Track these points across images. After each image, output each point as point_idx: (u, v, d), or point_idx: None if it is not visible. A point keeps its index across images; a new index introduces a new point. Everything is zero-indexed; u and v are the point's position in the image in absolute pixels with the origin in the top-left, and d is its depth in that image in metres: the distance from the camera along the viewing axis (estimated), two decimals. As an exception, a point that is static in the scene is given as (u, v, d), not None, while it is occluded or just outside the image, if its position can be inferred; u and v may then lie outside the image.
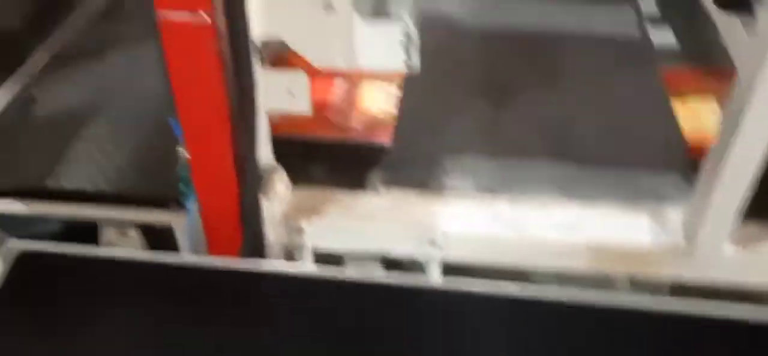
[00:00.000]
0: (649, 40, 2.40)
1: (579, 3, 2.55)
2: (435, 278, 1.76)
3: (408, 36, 1.56)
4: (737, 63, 1.96)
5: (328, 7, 1.49)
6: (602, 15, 2.49)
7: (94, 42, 2.39)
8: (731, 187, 1.50)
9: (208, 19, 1.32)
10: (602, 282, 1.78)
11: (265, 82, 1.56)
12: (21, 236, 1.83)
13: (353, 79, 2.16)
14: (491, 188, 1.84)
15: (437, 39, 2.19)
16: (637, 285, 1.78)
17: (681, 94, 2.12)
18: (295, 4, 1.50)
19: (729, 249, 1.63)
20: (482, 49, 2.30)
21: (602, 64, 2.26)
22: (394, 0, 1.65)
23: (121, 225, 1.88)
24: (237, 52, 1.39)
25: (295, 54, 1.60)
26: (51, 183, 1.87)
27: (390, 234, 1.78)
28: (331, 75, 2.13)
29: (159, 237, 1.85)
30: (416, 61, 1.60)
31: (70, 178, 1.89)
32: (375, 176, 1.88)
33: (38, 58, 2.29)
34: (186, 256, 1.73)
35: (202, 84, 1.42)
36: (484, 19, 2.42)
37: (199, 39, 1.34)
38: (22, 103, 2.14)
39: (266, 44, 1.58)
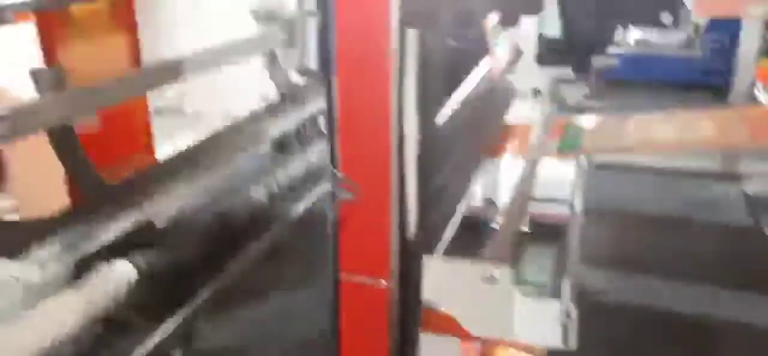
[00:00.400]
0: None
1: (738, 288, 2.48)
2: None
3: (567, 314, 1.58)
4: None
5: (491, 279, 1.56)
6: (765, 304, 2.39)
7: (258, 282, 2.59)
8: None
9: (385, 284, 1.42)
10: None
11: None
12: None
13: (493, 345, 2.16)
14: None
15: (587, 315, 2.19)
16: None
17: None
18: (458, 272, 1.59)
19: None
20: (635, 329, 2.25)
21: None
22: (553, 275, 1.70)
23: None
24: (404, 316, 1.47)
25: (444, 316, 1.66)
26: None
27: None
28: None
29: None
30: (573, 339, 1.60)
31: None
32: None
33: (203, 296, 2.49)
34: None
35: (368, 341, 1.49)
36: (637, 298, 2.40)
37: (374, 301, 1.44)
38: (182, 337, 2.30)
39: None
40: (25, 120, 2.09)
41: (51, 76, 2.22)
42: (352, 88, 1.47)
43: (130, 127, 2.70)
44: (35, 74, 2.21)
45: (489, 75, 2.82)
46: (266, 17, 3.50)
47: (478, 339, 1.76)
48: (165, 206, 2.43)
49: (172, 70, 2.75)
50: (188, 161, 2.72)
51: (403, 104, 1.50)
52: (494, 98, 2.88)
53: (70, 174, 2.39)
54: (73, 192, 2.45)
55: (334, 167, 1.49)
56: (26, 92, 2.38)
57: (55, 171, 2.41)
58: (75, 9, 2.35)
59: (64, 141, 2.31)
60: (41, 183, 2.52)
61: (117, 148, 2.63)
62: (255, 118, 3.22)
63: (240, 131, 3.04)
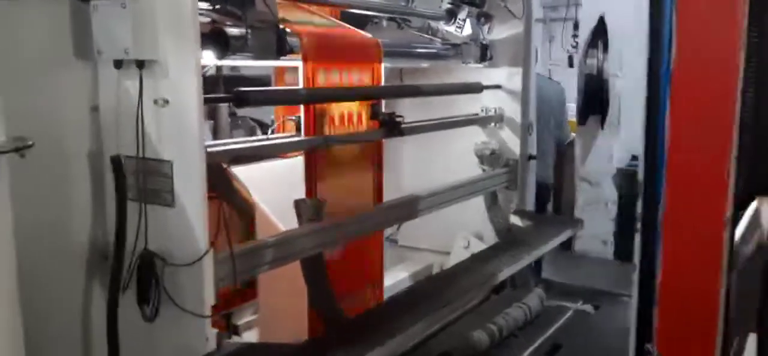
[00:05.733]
0: None
1: None
2: None
3: None
4: None
5: None
6: None
7: None
8: None
9: None
10: None
11: None
12: None
13: None
14: None
15: None
16: None
17: None
18: None
19: None
20: None
21: None
22: None
23: None
24: None
25: None
26: None
27: None
28: None
29: None
30: None
31: None
32: None
33: None
34: None
35: None
36: None
37: None
38: None
39: None
40: (290, 247, 2.24)
41: (312, 207, 2.38)
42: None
43: (367, 257, 2.80)
44: (298, 205, 2.38)
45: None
46: (490, 159, 3.56)
47: None
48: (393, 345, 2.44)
49: (407, 208, 2.85)
50: (413, 301, 2.72)
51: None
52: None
53: (313, 301, 2.49)
54: (311, 318, 2.55)
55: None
56: (283, 218, 2.58)
57: (299, 296, 2.53)
58: (337, 148, 2.53)
59: (314, 269, 2.43)
60: (284, 305, 2.66)
61: (354, 276, 2.73)
62: (475, 260, 3.21)
63: (461, 272, 3.02)
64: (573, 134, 6.03)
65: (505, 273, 2.94)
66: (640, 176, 1.35)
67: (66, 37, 1.96)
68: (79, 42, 1.97)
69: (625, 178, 5.81)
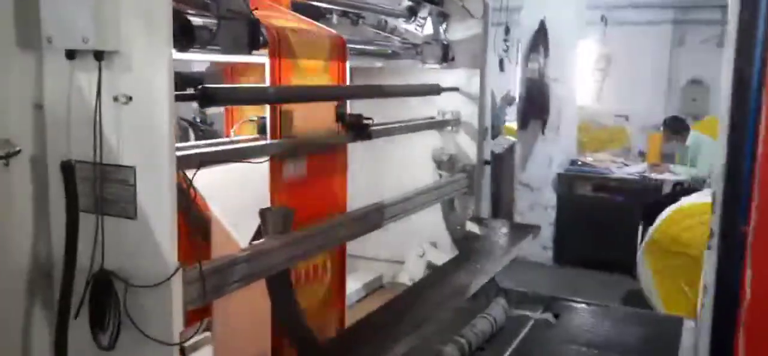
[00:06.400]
0: None
1: None
2: None
3: None
4: None
5: None
6: None
7: None
8: None
9: None
10: None
11: None
12: None
13: None
14: None
15: None
16: None
17: None
18: None
19: None
20: None
21: None
22: None
23: None
24: None
25: None
26: None
27: None
28: None
29: None
30: None
31: None
32: None
33: None
34: None
35: None
36: None
37: None
38: None
39: None
40: (262, 262, 2.03)
41: (279, 217, 2.17)
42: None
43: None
44: (264, 214, 2.17)
45: None
46: (447, 164, 3.45)
47: None
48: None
49: (376, 216, 2.69)
50: (381, 323, 2.56)
51: None
52: None
53: (279, 320, 2.28)
54: (275, 339, 2.34)
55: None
56: (235, 226, 2.36)
57: (261, 314, 2.32)
58: (302, 152, 2.34)
59: (280, 285, 2.22)
60: (243, 324, 2.43)
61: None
62: (440, 272, 3.08)
63: (429, 286, 2.89)
64: (512, 139, 6.05)
65: (475, 285, 2.83)
66: (717, 191, 1.25)
67: (6, 22, 1.68)
68: (21, 28, 1.69)
69: (563, 183, 5.88)
